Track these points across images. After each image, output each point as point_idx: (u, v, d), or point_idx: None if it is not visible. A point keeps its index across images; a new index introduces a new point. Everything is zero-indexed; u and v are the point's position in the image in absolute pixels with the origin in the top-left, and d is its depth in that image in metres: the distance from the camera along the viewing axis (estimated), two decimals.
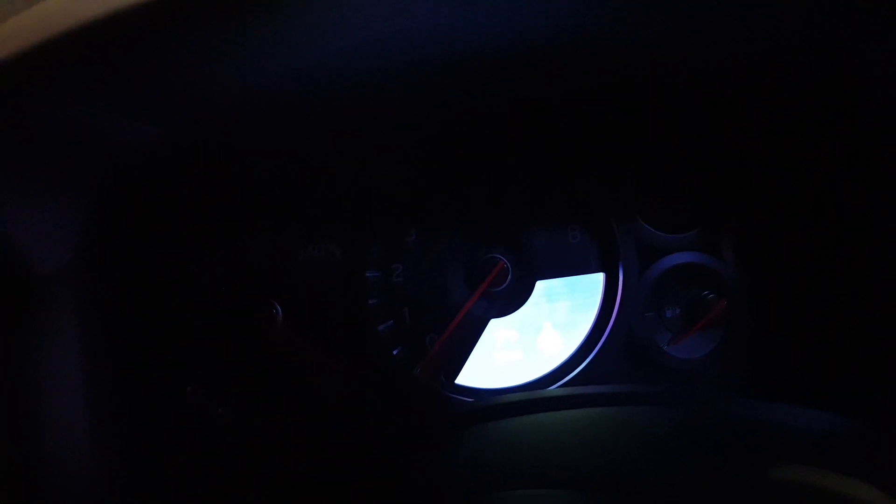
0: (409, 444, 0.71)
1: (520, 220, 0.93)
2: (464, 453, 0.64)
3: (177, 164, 0.66)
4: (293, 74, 0.55)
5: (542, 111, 0.86)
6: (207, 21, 0.41)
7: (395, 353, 0.90)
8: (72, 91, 0.44)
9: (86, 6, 0.39)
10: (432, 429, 0.72)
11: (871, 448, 0.58)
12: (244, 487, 0.80)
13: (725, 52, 0.64)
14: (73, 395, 0.56)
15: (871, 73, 0.64)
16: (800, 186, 0.84)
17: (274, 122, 0.67)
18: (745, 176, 0.92)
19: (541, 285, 0.93)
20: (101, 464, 0.58)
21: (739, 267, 0.94)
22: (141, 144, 0.55)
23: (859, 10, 0.54)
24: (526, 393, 0.90)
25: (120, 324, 0.68)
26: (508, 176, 0.93)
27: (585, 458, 0.58)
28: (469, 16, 0.51)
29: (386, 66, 0.59)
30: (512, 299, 0.93)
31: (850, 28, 0.57)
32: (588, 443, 0.62)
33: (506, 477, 0.58)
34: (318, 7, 0.43)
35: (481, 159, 0.91)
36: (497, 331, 0.93)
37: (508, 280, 0.92)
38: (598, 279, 0.94)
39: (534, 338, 0.94)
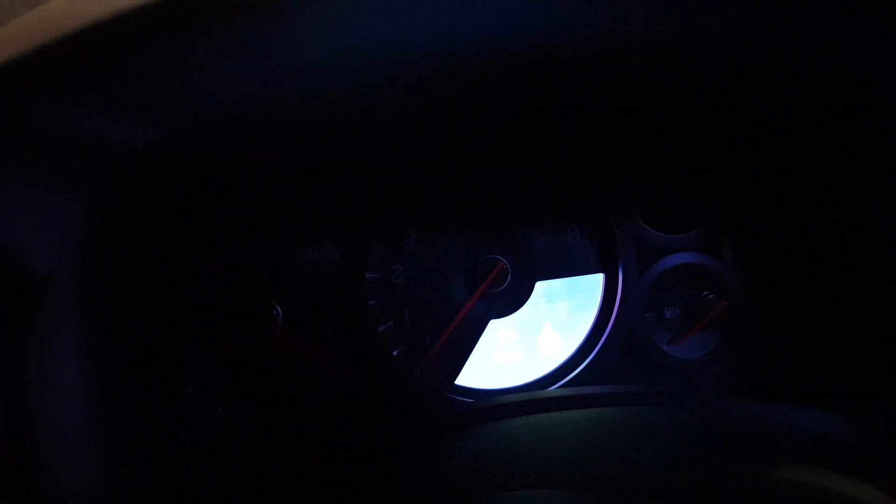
0: (408, 444, 0.71)
1: (519, 221, 0.93)
2: (464, 454, 0.64)
3: (176, 164, 0.66)
4: (293, 75, 0.55)
5: (541, 111, 0.86)
6: (207, 22, 0.41)
7: (394, 353, 0.90)
8: (72, 92, 0.44)
9: (87, 8, 0.39)
10: (432, 429, 0.72)
11: (871, 448, 0.58)
12: (244, 488, 0.80)
13: (725, 52, 0.64)
14: (72, 395, 0.56)
15: (871, 73, 0.64)
16: (800, 186, 0.84)
17: (273, 122, 0.67)
18: (744, 176, 0.92)
19: (540, 286, 0.93)
20: (101, 464, 0.58)
21: (739, 267, 0.94)
22: (141, 145, 0.55)
23: (859, 10, 0.54)
24: (526, 393, 0.90)
25: (120, 324, 0.68)
26: (508, 176, 0.93)
27: (585, 459, 0.58)
28: (468, 16, 0.51)
29: (386, 67, 0.59)
30: (512, 300, 0.93)
31: (850, 28, 0.57)
32: (588, 443, 0.62)
33: (506, 477, 0.58)
34: (317, 7, 0.43)
35: (481, 160, 0.91)
36: (497, 331, 0.93)
37: (508, 281, 0.92)
38: (597, 280, 0.94)
39: (533, 338, 0.94)
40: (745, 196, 0.93)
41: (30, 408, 0.52)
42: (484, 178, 0.92)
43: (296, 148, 0.80)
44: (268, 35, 0.45)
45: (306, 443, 0.86)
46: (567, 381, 0.91)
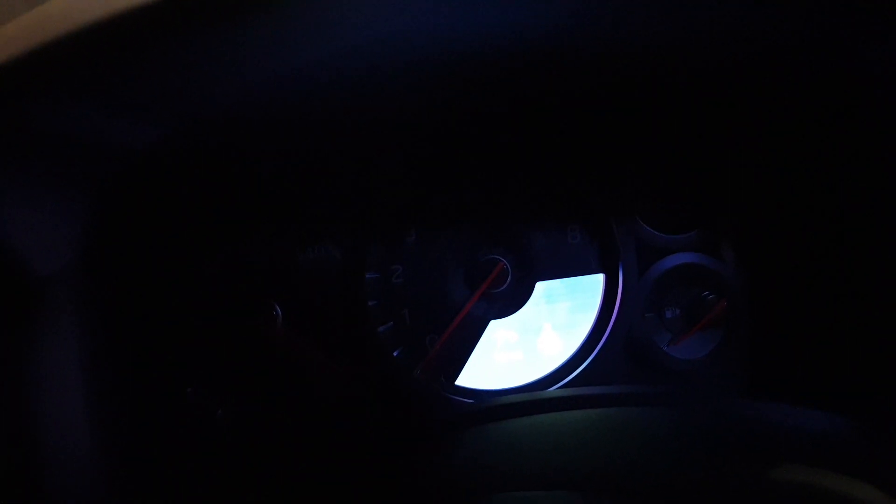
0: (409, 445, 0.71)
1: (519, 221, 0.93)
2: (464, 454, 0.64)
3: (176, 165, 0.66)
4: (293, 75, 0.55)
5: (541, 111, 0.86)
6: (207, 22, 0.41)
7: (395, 354, 0.90)
8: (72, 93, 0.44)
9: (86, 9, 0.39)
10: (432, 430, 0.72)
11: (871, 448, 0.58)
12: (244, 488, 0.80)
13: (725, 52, 0.64)
14: (73, 395, 0.56)
15: (871, 73, 0.64)
16: (800, 186, 0.84)
17: (273, 122, 0.68)
18: (744, 176, 0.92)
19: (541, 286, 0.93)
20: (101, 464, 0.58)
21: (739, 267, 0.94)
22: (141, 145, 0.55)
23: (859, 9, 0.54)
24: (526, 394, 0.90)
25: (120, 325, 0.68)
26: (508, 176, 0.93)
27: (586, 460, 0.58)
28: (468, 16, 0.51)
29: (386, 67, 0.59)
30: (512, 300, 0.93)
31: (850, 28, 0.57)
32: (588, 444, 0.62)
33: (506, 478, 0.57)
34: (317, 7, 0.43)
35: (481, 160, 0.91)
36: (497, 332, 0.93)
37: (508, 281, 0.92)
38: (597, 280, 0.94)
39: (534, 339, 0.94)
40: (745, 196, 0.93)
41: (30, 408, 0.52)
42: (484, 179, 0.92)
43: (296, 148, 0.80)
44: (268, 35, 0.45)
45: (306, 443, 0.86)
46: (567, 382, 0.91)
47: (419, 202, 0.91)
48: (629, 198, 0.93)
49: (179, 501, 0.76)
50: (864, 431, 0.60)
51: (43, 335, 0.53)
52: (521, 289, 0.93)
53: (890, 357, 0.73)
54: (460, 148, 0.90)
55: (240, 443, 0.85)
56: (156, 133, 0.55)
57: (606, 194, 0.92)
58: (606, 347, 0.91)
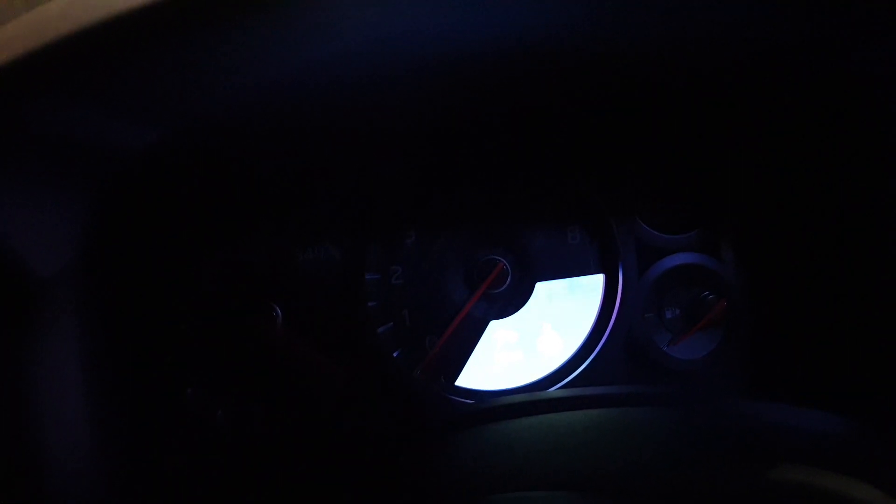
0: (409, 445, 0.71)
1: (519, 222, 0.93)
2: (464, 455, 0.64)
3: (176, 165, 0.66)
4: (292, 77, 0.55)
5: (541, 112, 0.86)
6: (206, 24, 0.41)
7: (395, 355, 0.90)
8: (71, 94, 0.44)
9: (85, 10, 0.39)
10: (432, 430, 0.72)
11: (871, 448, 0.58)
12: (244, 489, 0.80)
13: (725, 53, 0.64)
14: (73, 396, 0.56)
15: (871, 73, 0.64)
16: (799, 186, 0.84)
17: (273, 124, 0.68)
18: (744, 176, 0.92)
19: (540, 286, 0.93)
20: (101, 465, 0.58)
21: (739, 267, 0.94)
22: (140, 146, 0.55)
23: (859, 10, 0.54)
24: (526, 395, 0.90)
25: (119, 326, 0.68)
26: (508, 177, 0.93)
27: (586, 460, 0.58)
28: (468, 19, 0.51)
29: (385, 68, 0.59)
30: (512, 301, 0.93)
31: (850, 28, 0.57)
32: (588, 444, 0.62)
33: (506, 478, 0.58)
34: (317, 9, 0.43)
35: (480, 160, 0.92)
36: (497, 332, 0.93)
37: (508, 281, 0.92)
38: (597, 280, 0.94)
39: (534, 339, 0.94)
40: (745, 196, 0.93)
41: (30, 409, 0.52)
42: (484, 179, 0.92)
43: (295, 149, 0.80)
44: (267, 37, 0.45)
45: (306, 444, 0.86)
46: (567, 382, 0.91)
47: (419, 203, 0.91)
48: (629, 198, 0.93)
49: (179, 502, 0.76)
50: (864, 431, 0.60)
51: (43, 336, 0.53)
52: (520, 289, 0.93)
53: (890, 357, 0.73)
54: (460, 148, 0.90)
55: (240, 443, 0.85)
56: (155, 134, 0.55)
57: (606, 194, 0.92)
58: (606, 348, 0.91)
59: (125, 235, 0.67)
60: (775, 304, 0.91)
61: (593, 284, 0.94)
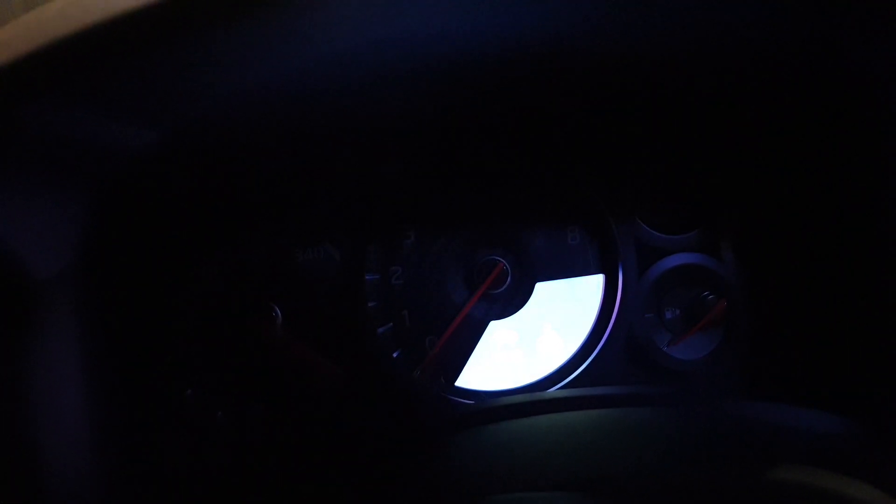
0: (409, 446, 0.71)
1: (519, 222, 0.93)
2: (464, 455, 0.64)
3: (175, 166, 0.66)
4: (292, 77, 0.55)
5: (541, 113, 0.86)
6: (205, 25, 0.41)
7: (394, 355, 0.90)
8: (70, 95, 0.44)
9: (84, 11, 0.39)
10: (432, 431, 0.72)
11: (871, 448, 0.58)
12: (244, 490, 0.80)
13: (725, 52, 0.64)
14: (72, 397, 0.56)
15: (871, 73, 0.64)
16: (799, 187, 0.84)
17: (272, 124, 0.68)
18: (744, 177, 0.92)
19: (540, 287, 0.93)
20: (101, 466, 0.58)
21: (739, 267, 0.94)
22: (139, 147, 0.55)
23: (859, 10, 0.54)
24: (526, 395, 0.90)
25: (119, 326, 0.68)
26: (508, 177, 0.93)
27: (586, 460, 0.58)
28: (468, 20, 0.51)
29: (385, 69, 0.59)
30: (512, 301, 0.93)
31: (850, 28, 0.57)
32: (588, 445, 0.62)
33: (506, 479, 0.57)
34: (317, 10, 0.43)
35: (480, 161, 0.91)
36: (497, 333, 0.93)
37: (508, 282, 0.92)
38: (597, 280, 0.94)
39: (534, 339, 0.94)
40: (745, 196, 0.93)
41: (30, 410, 0.52)
42: (483, 180, 0.92)
43: (295, 149, 0.80)
44: (267, 38, 0.45)
45: (306, 445, 0.86)
46: (567, 383, 0.91)
47: (419, 203, 0.91)
48: (629, 198, 0.93)
49: (179, 503, 0.76)
50: (864, 432, 0.60)
51: (42, 337, 0.53)
52: (520, 289, 0.93)
53: (889, 357, 0.73)
54: (460, 149, 0.90)
55: (239, 444, 0.85)
56: (155, 134, 0.55)
57: (606, 195, 0.92)
58: (606, 348, 0.91)
59: (125, 236, 0.67)
60: (775, 304, 0.91)
61: (593, 285, 0.94)
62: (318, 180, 0.87)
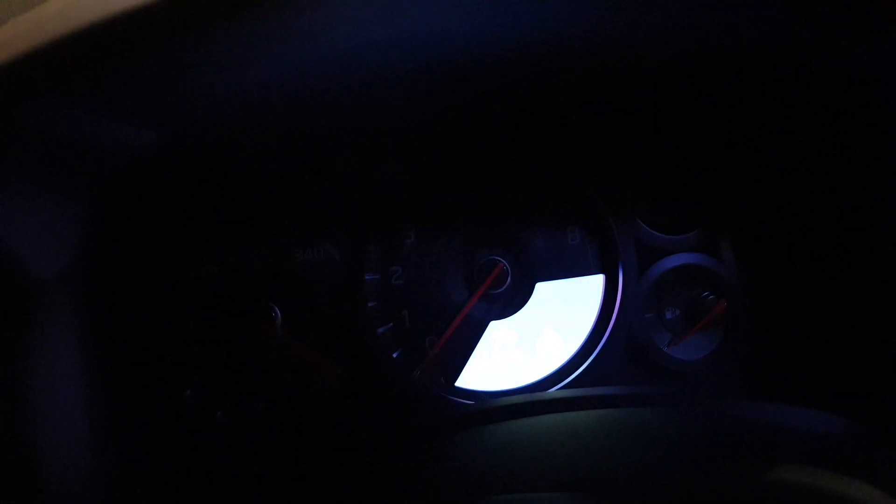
0: (409, 446, 0.71)
1: (519, 222, 0.93)
2: (464, 456, 0.64)
3: (175, 166, 0.66)
4: (292, 77, 0.55)
5: (541, 113, 0.86)
6: (205, 25, 0.41)
7: (394, 355, 0.90)
8: (69, 95, 0.44)
9: (83, 10, 0.39)
10: (432, 431, 0.72)
11: (871, 448, 0.58)
12: (243, 491, 0.80)
13: (725, 53, 0.64)
14: (72, 398, 0.56)
15: (871, 73, 0.64)
16: (799, 187, 0.84)
17: (272, 124, 0.68)
18: (744, 177, 0.92)
19: (540, 287, 0.93)
20: (101, 467, 0.58)
21: (739, 268, 0.94)
22: (138, 147, 0.55)
23: (859, 10, 0.54)
24: (526, 395, 0.90)
25: (119, 327, 0.68)
26: (508, 177, 0.93)
27: (586, 461, 0.58)
28: (468, 20, 0.51)
29: (385, 70, 0.59)
30: (512, 301, 0.93)
31: (850, 28, 0.57)
32: (589, 445, 0.61)
33: (506, 479, 0.57)
34: (317, 10, 0.43)
35: (480, 161, 0.91)
36: (497, 333, 0.93)
37: (508, 282, 0.92)
38: (597, 281, 0.94)
39: (534, 340, 0.94)
40: (745, 196, 0.93)
41: (29, 410, 0.52)
42: (483, 180, 0.92)
43: (295, 149, 0.80)
44: (267, 38, 0.45)
45: (306, 445, 0.86)
46: (568, 383, 0.91)
47: (419, 203, 0.91)
48: (629, 198, 0.93)
49: (179, 503, 0.76)
50: (864, 432, 0.60)
51: (42, 337, 0.53)
52: (520, 290, 0.93)
53: (889, 357, 0.73)
54: (460, 149, 0.90)
55: (239, 444, 0.85)
56: (154, 134, 0.55)
57: (606, 195, 0.92)
58: (606, 348, 0.91)
59: (124, 236, 0.67)
60: (775, 304, 0.91)
61: (593, 285, 0.94)
62: (318, 180, 0.87)
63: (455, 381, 0.91)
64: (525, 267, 0.93)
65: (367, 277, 0.89)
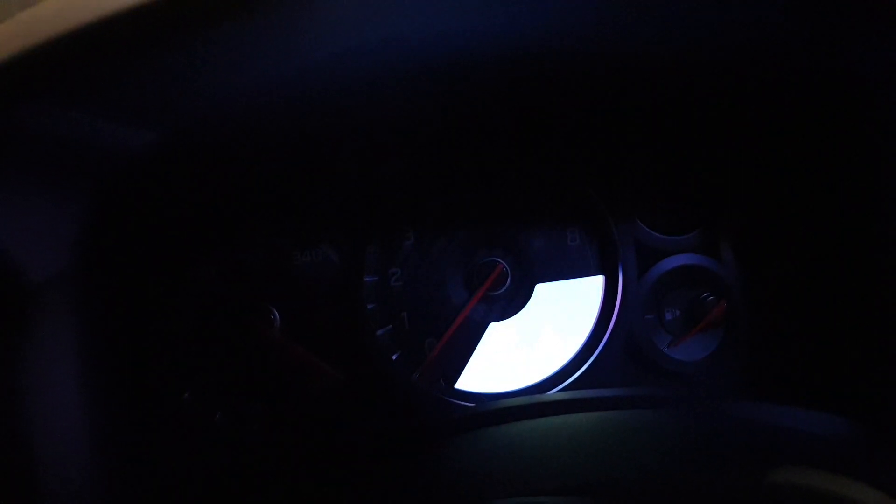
0: (408, 449, 0.71)
1: (519, 223, 0.93)
2: (464, 458, 0.64)
3: (173, 167, 0.66)
4: (291, 78, 0.55)
5: (540, 114, 0.86)
6: (203, 26, 0.41)
7: (394, 358, 0.90)
8: (67, 94, 0.44)
9: (81, 10, 0.39)
10: (432, 434, 0.72)
11: (872, 449, 0.58)
12: (241, 493, 0.80)
13: (724, 53, 0.64)
14: (70, 400, 0.56)
15: (871, 73, 0.64)
16: (798, 187, 0.84)
17: (271, 125, 0.67)
18: (743, 177, 0.92)
19: (540, 288, 0.93)
20: (99, 470, 0.58)
21: (738, 268, 0.93)
22: (137, 148, 0.55)
23: (857, 12, 0.54)
24: (526, 397, 0.90)
25: (117, 329, 0.68)
26: (507, 179, 0.93)
27: (586, 463, 0.58)
28: (468, 21, 0.51)
29: (384, 71, 0.59)
30: (511, 303, 0.93)
31: (850, 28, 0.57)
32: (589, 447, 0.61)
33: (506, 482, 0.57)
34: (316, 10, 0.43)
35: (480, 162, 0.91)
36: (497, 334, 0.93)
37: (508, 283, 0.92)
38: (597, 282, 0.94)
39: (534, 341, 0.93)
40: (745, 197, 0.93)
41: (27, 413, 0.52)
42: (483, 181, 0.92)
43: (294, 150, 0.80)
44: (266, 38, 0.45)
45: (305, 447, 0.86)
46: (568, 384, 0.91)
47: (418, 204, 0.91)
48: (628, 199, 0.93)
49: None
50: (864, 433, 0.60)
51: (40, 339, 0.53)
52: (520, 291, 0.93)
53: (889, 357, 0.73)
54: (459, 150, 0.90)
55: (237, 448, 0.84)
56: (153, 135, 0.55)
57: (606, 196, 0.92)
58: (606, 349, 0.91)
59: (122, 237, 0.67)
60: (775, 304, 0.91)
61: (593, 286, 0.94)
62: (317, 181, 0.87)
63: (454, 383, 0.91)
64: (525, 268, 0.93)
65: (366, 279, 0.89)
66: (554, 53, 0.62)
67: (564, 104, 0.83)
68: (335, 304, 0.88)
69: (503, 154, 0.91)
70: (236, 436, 0.84)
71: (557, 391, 0.91)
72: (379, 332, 0.89)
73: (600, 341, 0.92)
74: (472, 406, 0.88)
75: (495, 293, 0.92)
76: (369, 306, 0.89)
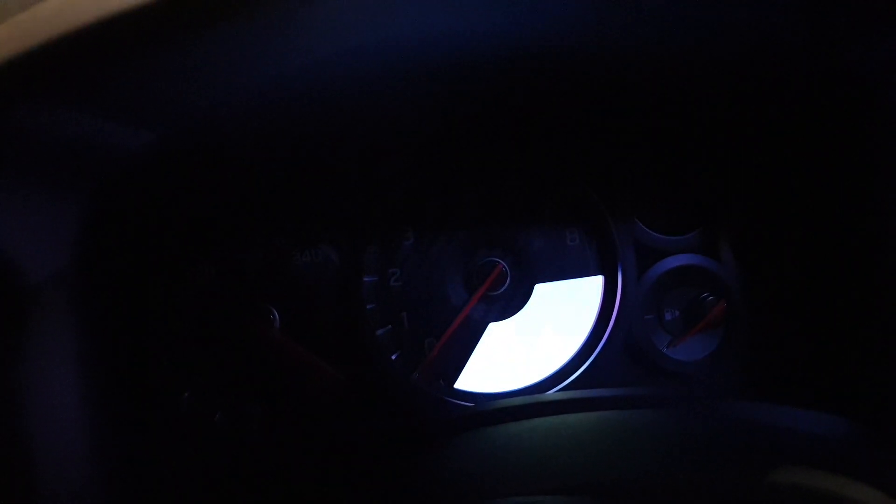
0: (408, 449, 0.71)
1: (518, 223, 0.93)
2: (463, 458, 0.64)
3: (171, 167, 0.66)
4: (290, 79, 0.55)
5: (539, 114, 0.86)
6: (203, 26, 0.41)
7: (393, 357, 0.90)
8: (66, 95, 0.44)
9: (80, 10, 0.39)
10: (432, 434, 0.72)
11: (872, 449, 0.58)
12: (241, 493, 0.80)
13: (724, 53, 0.64)
14: (69, 401, 0.56)
15: (871, 73, 0.64)
16: (798, 187, 0.84)
17: (270, 125, 0.67)
18: (743, 177, 0.92)
19: (540, 288, 0.93)
20: (98, 470, 0.58)
21: (738, 268, 0.93)
22: (135, 148, 0.55)
23: (857, 10, 0.54)
24: (526, 397, 0.90)
25: (115, 329, 0.68)
26: (506, 178, 0.93)
27: (586, 463, 0.58)
28: (467, 21, 0.51)
29: (384, 71, 0.59)
30: (511, 303, 0.93)
31: (850, 28, 0.57)
32: (588, 447, 0.61)
33: (506, 482, 0.57)
34: (315, 11, 0.43)
35: (479, 162, 0.91)
36: (496, 334, 0.93)
37: (507, 283, 0.92)
38: (596, 282, 0.94)
39: (533, 341, 0.93)
40: (744, 197, 0.93)
41: (26, 414, 0.51)
42: (482, 181, 0.92)
43: (293, 151, 0.80)
44: (265, 39, 0.45)
45: (304, 447, 0.86)
46: (567, 384, 0.91)
47: (417, 204, 0.91)
48: (628, 199, 0.93)
49: None
50: (864, 433, 0.60)
51: (38, 340, 0.53)
52: (520, 291, 0.93)
53: (889, 357, 0.73)
54: (458, 150, 0.90)
55: (237, 448, 0.84)
56: (151, 136, 0.55)
57: (605, 196, 0.92)
58: (606, 349, 0.91)
59: (121, 237, 0.67)
60: (774, 305, 0.91)
61: (592, 286, 0.94)
62: (316, 182, 0.87)
63: (454, 383, 0.91)
64: (524, 268, 0.93)
65: (365, 279, 0.89)
66: (554, 53, 0.62)
67: (564, 104, 0.83)
68: (335, 304, 0.88)
69: (503, 154, 0.91)
70: (236, 436, 0.84)
71: (557, 391, 0.91)
72: (379, 332, 0.89)
73: (600, 341, 0.92)
74: (471, 406, 0.88)
75: (495, 293, 0.92)
76: (369, 306, 0.89)
